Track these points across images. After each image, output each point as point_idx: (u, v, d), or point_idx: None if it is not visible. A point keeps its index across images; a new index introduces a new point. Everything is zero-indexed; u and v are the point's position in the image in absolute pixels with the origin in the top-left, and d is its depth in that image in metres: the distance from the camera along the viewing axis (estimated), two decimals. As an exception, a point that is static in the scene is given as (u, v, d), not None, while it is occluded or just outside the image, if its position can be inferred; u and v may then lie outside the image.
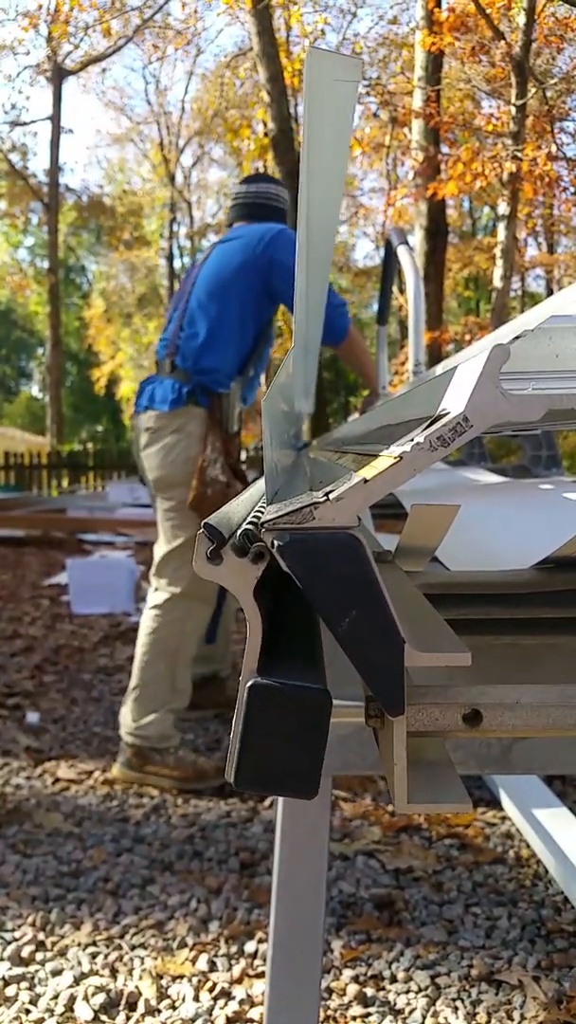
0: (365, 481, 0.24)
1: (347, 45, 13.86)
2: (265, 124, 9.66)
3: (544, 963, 1.25)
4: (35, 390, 31.29)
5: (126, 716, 1.88)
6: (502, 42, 9.64)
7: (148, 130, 19.61)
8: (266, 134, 9.70)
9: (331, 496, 0.24)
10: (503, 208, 9.28)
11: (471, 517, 0.73)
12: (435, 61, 9.92)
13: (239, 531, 0.27)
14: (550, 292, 18.75)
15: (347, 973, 1.23)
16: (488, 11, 9.53)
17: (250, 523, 0.27)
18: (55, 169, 17.51)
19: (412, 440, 0.25)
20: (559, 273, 16.51)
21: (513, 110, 8.90)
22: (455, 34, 10.13)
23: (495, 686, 0.28)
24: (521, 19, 9.88)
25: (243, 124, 12.37)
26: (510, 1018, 1.14)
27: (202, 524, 0.28)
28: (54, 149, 17.36)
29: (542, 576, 0.44)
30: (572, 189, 9.23)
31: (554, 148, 9.62)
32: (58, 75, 16.75)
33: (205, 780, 1.83)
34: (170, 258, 20.50)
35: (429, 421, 0.27)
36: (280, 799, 0.64)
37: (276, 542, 0.24)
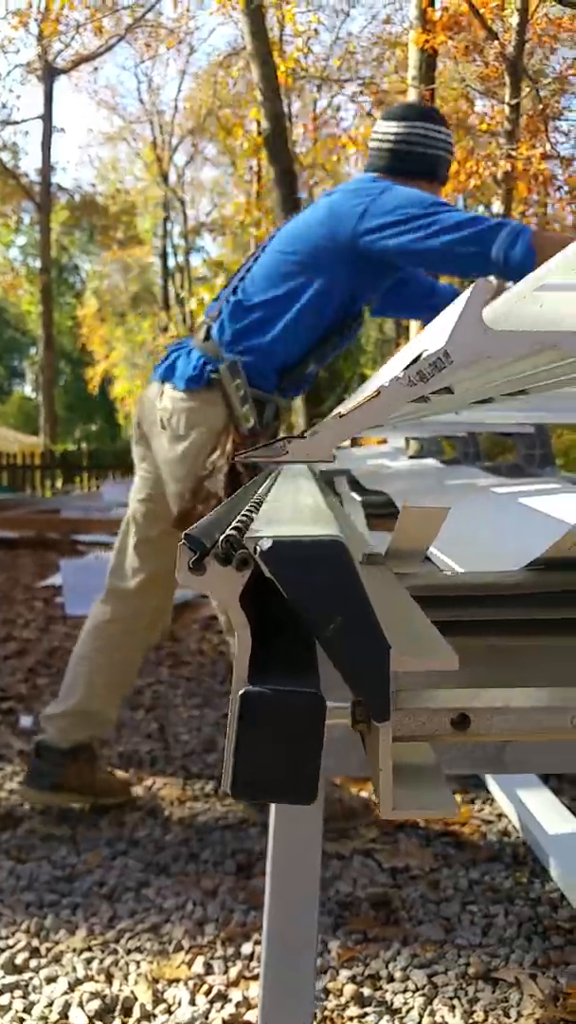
0: (340, 415, 0.24)
1: (340, 44, 13.85)
2: (258, 123, 9.63)
3: (541, 960, 1.25)
4: (28, 390, 31.24)
5: None
6: (495, 42, 9.65)
7: (141, 129, 19.58)
8: (259, 133, 9.68)
9: (306, 433, 0.24)
10: (497, 207, 9.29)
11: (466, 517, 0.73)
12: (429, 60, 9.90)
13: (222, 538, 0.27)
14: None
15: (344, 973, 1.23)
16: (481, 11, 9.54)
17: (233, 528, 0.27)
18: (47, 168, 17.47)
19: (392, 376, 0.25)
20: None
21: (507, 109, 8.92)
22: (448, 33, 10.13)
23: (484, 690, 0.28)
24: (514, 19, 9.89)
25: (236, 123, 12.36)
26: (507, 1016, 1.14)
27: (183, 535, 0.28)
28: (46, 148, 17.32)
29: (533, 577, 0.44)
30: (566, 188, 9.24)
31: (548, 147, 9.62)
32: (49, 74, 16.71)
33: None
34: (164, 257, 20.48)
35: (412, 359, 0.26)
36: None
37: (259, 547, 0.24)
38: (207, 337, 1.67)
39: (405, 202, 1.55)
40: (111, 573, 1.81)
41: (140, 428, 1.78)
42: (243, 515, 0.30)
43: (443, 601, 0.44)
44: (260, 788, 0.27)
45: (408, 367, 0.25)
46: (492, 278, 1.56)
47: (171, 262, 20.83)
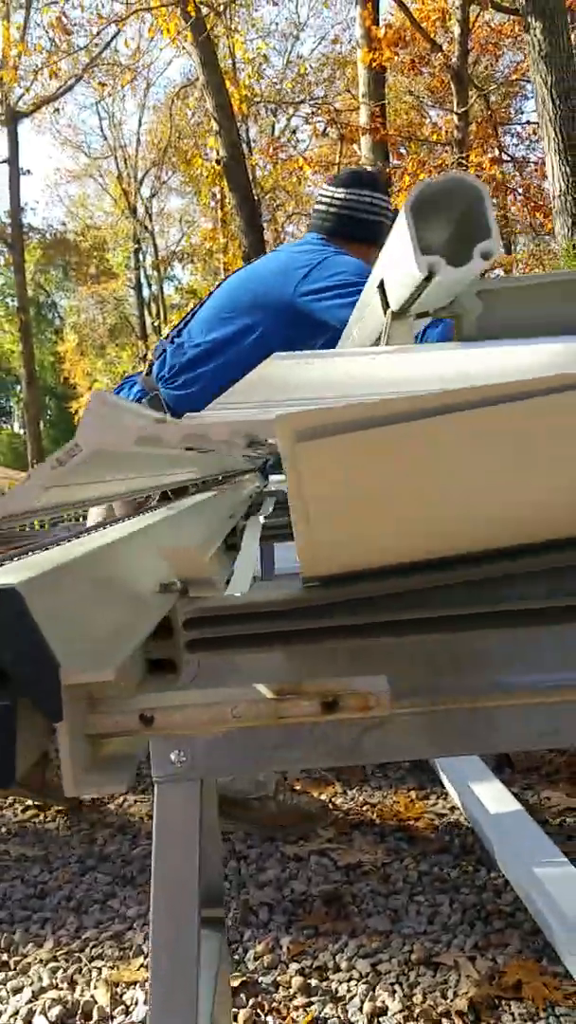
0: (2, 494, 0.32)
1: (292, 67, 14.15)
2: (217, 151, 9.83)
3: (481, 943, 1.33)
4: (16, 426, 31.43)
5: None
6: (440, 53, 9.88)
7: (106, 164, 19.88)
8: (218, 161, 9.87)
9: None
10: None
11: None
12: (377, 77, 10.14)
13: None
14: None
15: (293, 967, 1.30)
16: (424, 24, 9.77)
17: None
18: (16, 209, 17.68)
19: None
20: (518, 272, 16.77)
21: (455, 118, 9.13)
22: (394, 49, 10.36)
23: (165, 693, 0.37)
24: (456, 30, 10.12)
25: (195, 153, 12.59)
26: (444, 997, 1.21)
27: None
28: (14, 191, 17.53)
29: (307, 593, 0.53)
30: (520, 191, 9.43)
31: (498, 152, 9.83)
32: (12, 118, 16.96)
33: None
34: (138, 288, 20.70)
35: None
36: (155, 800, 0.72)
37: None
38: (148, 372, 1.79)
39: (344, 269, 1.67)
40: None
41: None
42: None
43: (231, 619, 0.53)
44: None
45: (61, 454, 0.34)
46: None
47: (145, 292, 21.07)
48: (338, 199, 1.82)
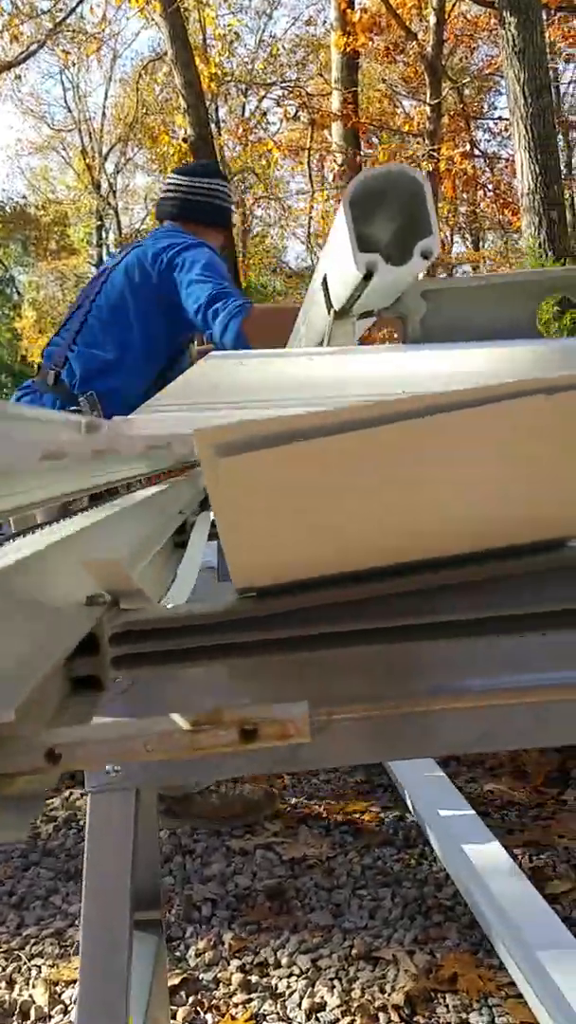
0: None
1: (264, 47, 13.96)
2: (185, 130, 9.65)
3: (421, 937, 1.34)
4: (-27, 404, 30.67)
5: None
6: (415, 42, 9.84)
7: (70, 137, 19.41)
8: (185, 140, 9.69)
9: None
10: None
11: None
12: (350, 62, 10.07)
13: None
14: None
15: (234, 963, 1.30)
16: (399, 11, 9.71)
17: None
18: (-23, 180, 17.18)
19: None
20: (484, 269, 16.86)
21: (428, 109, 9.11)
22: (369, 35, 10.29)
23: (69, 728, 0.35)
24: (432, 19, 10.09)
25: (162, 131, 12.36)
26: (382, 992, 1.22)
27: None
28: (-25, 159, 17.02)
29: (241, 605, 0.52)
30: (491, 187, 9.47)
31: (469, 147, 9.85)
32: (-27, 84, 16.42)
33: None
34: (100, 265, 20.32)
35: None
36: (88, 809, 0.70)
37: None
38: (56, 382, 1.85)
39: (196, 259, 1.79)
40: None
41: None
42: None
43: (161, 633, 0.51)
44: None
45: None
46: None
47: (109, 269, 20.65)
48: (185, 186, 1.95)
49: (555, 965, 1.16)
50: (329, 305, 0.52)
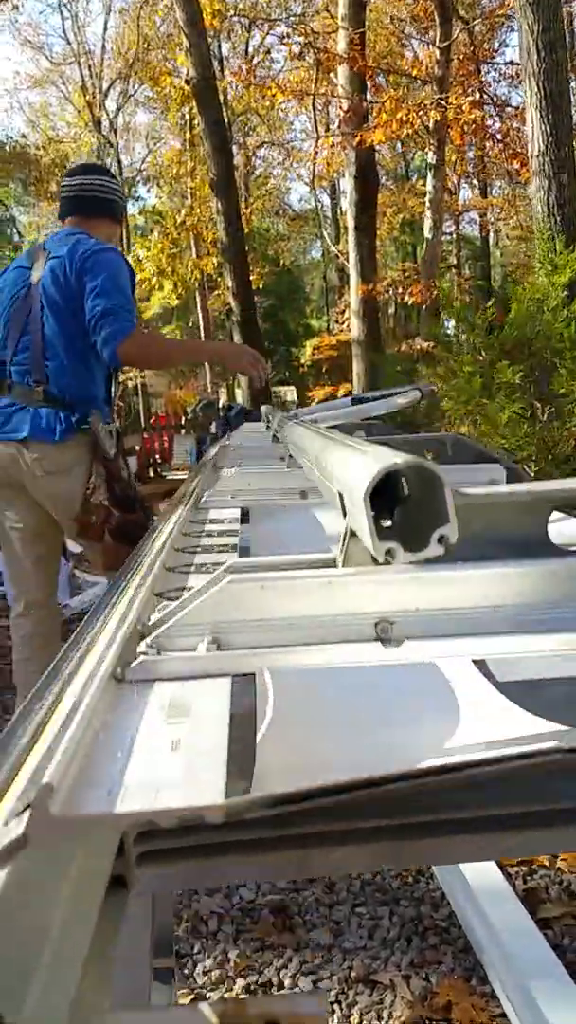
0: None
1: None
2: (187, 71, 9.28)
3: (416, 960, 1.41)
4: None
5: None
6: (425, -22, 9.40)
7: (70, 71, 18.68)
8: (187, 82, 9.33)
9: None
10: (432, 157, 9.19)
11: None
12: (358, -1, 9.63)
13: None
14: (483, 236, 18.67)
15: (240, 983, 1.37)
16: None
17: None
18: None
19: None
20: (492, 216, 16.43)
21: (437, 53, 8.73)
22: (378, -32, 9.81)
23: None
24: (444, -48, 9.61)
25: (163, 70, 11.89)
26: (379, 1018, 1.29)
27: None
28: (-32, 93, 16.43)
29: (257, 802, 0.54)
30: (499, 137, 9.16)
31: (478, 95, 9.50)
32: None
33: None
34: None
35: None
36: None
37: None
38: (47, 398, 1.96)
39: (103, 268, 1.94)
40: (20, 592, 2.09)
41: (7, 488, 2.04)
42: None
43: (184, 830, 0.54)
44: None
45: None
46: None
47: (109, 211, 20.12)
48: (77, 185, 2.11)
49: (546, 999, 1.23)
50: (344, 513, 0.53)
